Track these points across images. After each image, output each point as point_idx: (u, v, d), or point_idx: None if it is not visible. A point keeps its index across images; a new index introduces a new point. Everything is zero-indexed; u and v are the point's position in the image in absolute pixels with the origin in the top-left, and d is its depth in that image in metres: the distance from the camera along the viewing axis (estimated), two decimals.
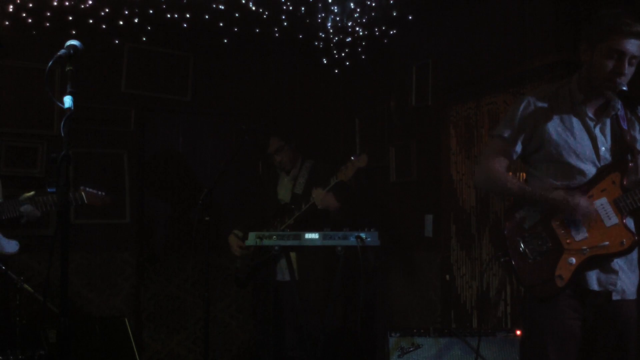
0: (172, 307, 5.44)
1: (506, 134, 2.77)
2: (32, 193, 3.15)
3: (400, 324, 5.09)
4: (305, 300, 4.31)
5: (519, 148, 2.77)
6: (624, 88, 2.57)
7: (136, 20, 4.77)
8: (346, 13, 4.82)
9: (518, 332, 3.71)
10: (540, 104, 2.74)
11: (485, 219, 4.47)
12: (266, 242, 3.87)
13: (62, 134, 2.10)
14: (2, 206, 2.95)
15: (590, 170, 2.67)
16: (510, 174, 3.19)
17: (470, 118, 4.65)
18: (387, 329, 3.91)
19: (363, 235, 3.67)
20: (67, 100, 2.15)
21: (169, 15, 4.78)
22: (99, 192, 3.93)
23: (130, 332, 4.78)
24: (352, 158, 4.16)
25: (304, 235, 3.81)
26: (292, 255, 4.44)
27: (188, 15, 4.81)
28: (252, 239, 3.92)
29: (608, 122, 2.71)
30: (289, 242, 3.85)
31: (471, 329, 4.16)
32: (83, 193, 3.72)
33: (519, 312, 3.99)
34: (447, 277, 4.74)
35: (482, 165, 2.89)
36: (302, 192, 4.57)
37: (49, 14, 4.61)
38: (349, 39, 5.21)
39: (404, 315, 5.13)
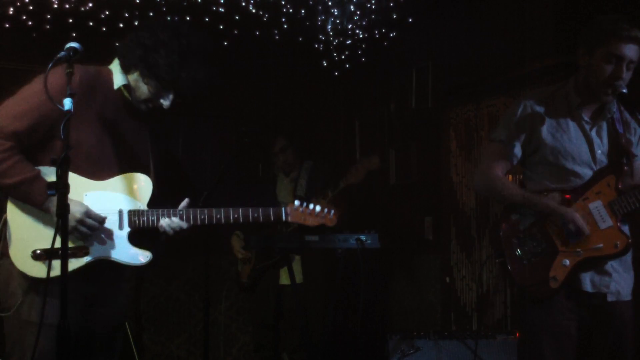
0: (172, 309, 5.44)
1: (504, 137, 2.78)
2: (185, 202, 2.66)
3: (400, 326, 5.09)
4: (305, 302, 4.31)
5: (518, 152, 2.77)
6: (624, 91, 2.58)
7: (136, 23, 4.78)
8: (346, 15, 4.83)
9: (518, 335, 3.71)
10: (536, 107, 2.75)
11: (485, 221, 4.47)
12: (267, 244, 3.87)
13: (62, 136, 2.10)
14: (143, 214, 2.56)
15: (586, 173, 2.68)
16: (510, 177, 3.19)
17: (470, 120, 4.65)
18: (386, 331, 3.91)
19: (363, 237, 3.67)
20: (67, 103, 2.15)
21: (169, 18, 4.78)
22: (323, 210, 2.83)
23: (130, 335, 4.77)
24: (363, 159, 4.11)
25: (304, 238, 3.80)
26: (297, 258, 4.43)
27: (188, 18, 4.82)
28: (253, 241, 3.92)
29: (604, 125, 2.73)
30: (289, 245, 3.84)
31: (471, 331, 4.16)
32: (288, 208, 2.74)
33: (519, 315, 3.98)
34: (447, 279, 4.74)
35: (480, 171, 2.90)
36: (304, 194, 4.56)
37: (49, 16, 4.62)
38: (349, 42, 5.21)
39: (404, 317, 5.12)
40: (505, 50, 4.29)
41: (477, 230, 4.54)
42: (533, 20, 4.08)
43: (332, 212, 2.86)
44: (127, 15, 4.68)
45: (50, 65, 2.25)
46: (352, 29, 5.04)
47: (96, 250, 2.48)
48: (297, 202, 2.78)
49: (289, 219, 2.73)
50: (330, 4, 4.66)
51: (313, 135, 5.74)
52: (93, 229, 2.43)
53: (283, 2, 4.64)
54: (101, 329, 2.63)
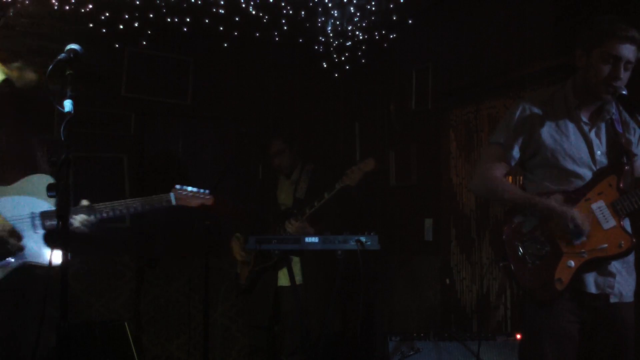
0: (172, 311, 5.44)
1: (503, 140, 2.78)
2: (87, 202, 2.78)
3: (400, 327, 5.09)
4: (305, 304, 4.30)
5: (516, 154, 2.77)
6: (624, 92, 2.58)
7: (136, 24, 4.78)
8: (346, 17, 4.83)
9: (518, 336, 3.71)
10: (535, 109, 2.75)
11: (485, 223, 4.47)
12: (266, 246, 3.87)
13: (62, 138, 2.10)
14: (54, 214, 2.70)
15: (587, 174, 2.68)
16: (510, 178, 3.19)
17: (470, 122, 4.65)
18: (387, 332, 3.91)
19: (363, 239, 3.67)
20: (67, 104, 2.16)
21: (169, 19, 4.79)
22: (199, 191, 3.24)
23: (130, 336, 4.77)
24: (358, 162, 4.14)
25: (304, 239, 3.80)
26: (296, 259, 4.43)
27: (188, 20, 4.82)
28: (252, 243, 3.92)
29: (603, 126, 2.73)
30: (289, 246, 3.84)
31: (471, 332, 4.16)
32: (175, 194, 3.10)
33: (519, 316, 3.98)
34: (447, 280, 4.74)
35: (479, 173, 2.89)
36: (304, 197, 4.56)
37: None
38: (349, 43, 5.21)
39: (404, 319, 5.12)
40: (505, 51, 4.29)
41: (477, 232, 4.54)
42: (533, 21, 4.08)
43: (207, 191, 3.25)
44: (127, 16, 4.68)
45: (50, 66, 2.25)
46: (352, 31, 5.05)
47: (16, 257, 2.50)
48: (177, 187, 3.11)
49: (178, 203, 3.07)
50: (330, 5, 4.66)
51: (313, 136, 5.74)
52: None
53: (283, 4, 4.64)
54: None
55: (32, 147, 2.74)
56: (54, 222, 2.62)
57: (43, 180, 2.68)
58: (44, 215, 2.61)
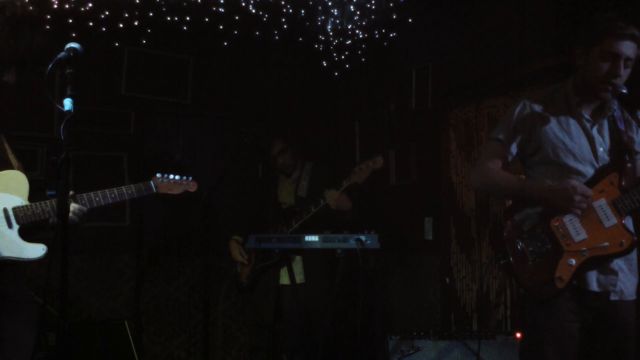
0: (172, 310, 5.44)
1: (502, 136, 2.78)
2: (71, 193, 2.75)
3: (400, 326, 5.09)
4: (305, 302, 4.30)
5: (514, 150, 2.78)
6: (624, 91, 2.57)
7: (136, 23, 4.78)
8: (346, 16, 4.83)
9: (518, 335, 3.71)
10: (536, 107, 2.75)
11: (485, 222, 4.47)
12: (266, 245, 3.87)
13: (62, 137, 2.10)
14: (28, 209, 2.65)
15: (588, 171, 2.67)
16: None
17: (470, 121, 4.65)
18: (387, 331, 3.91)
19: (363, 238, 3.67)
20: (67, 103, 2.16)
21: (169, 18, 4.79)
22: (182, 178, 3.26)
23: (130, 335, 4.77)
24: (367, 159, 4.13)
25: (304, 238, 3.80)
26: (298, 258, 4.43)
27: (188, 18, 4.82)
28: (252, 242, 3.92)
29: (605, 123, 2.72)
30: (289, 245, 3.84)
31: (471, 331, 4.16)
32: (155, 182, 3.12)
33: (519, 315, 3.98)
34: (447, 279, 4.74)
35: (477, 167, 2.90)
36: (306, 195, 4.56)
37: (49, 16, 4.62)
38: (349, 42, 5.21)
39: (404, 317, 5.12)
40: (505, 50, 4.29)
41: (477, 231, 4.55)
42: (533, 20, 4.08)
43: (191, 178, 3.28)
44: (127, 15, 4.68)
45: (50, 65, 2.25)
46: (352, 30, 5.04)
47: None
48: (158, 175, 3.14)
49: (158, 190, 3.10)
50: (330, 4, 4.66)
51: (313, 136, 5.74)
52: None
53: (283, 3, 4.64)
54: None
55: (1, 142, 2.73)
56: (28, 215, 2.63)
57: (14, 176, 2.67)
58: (17, 210, 2.61)
